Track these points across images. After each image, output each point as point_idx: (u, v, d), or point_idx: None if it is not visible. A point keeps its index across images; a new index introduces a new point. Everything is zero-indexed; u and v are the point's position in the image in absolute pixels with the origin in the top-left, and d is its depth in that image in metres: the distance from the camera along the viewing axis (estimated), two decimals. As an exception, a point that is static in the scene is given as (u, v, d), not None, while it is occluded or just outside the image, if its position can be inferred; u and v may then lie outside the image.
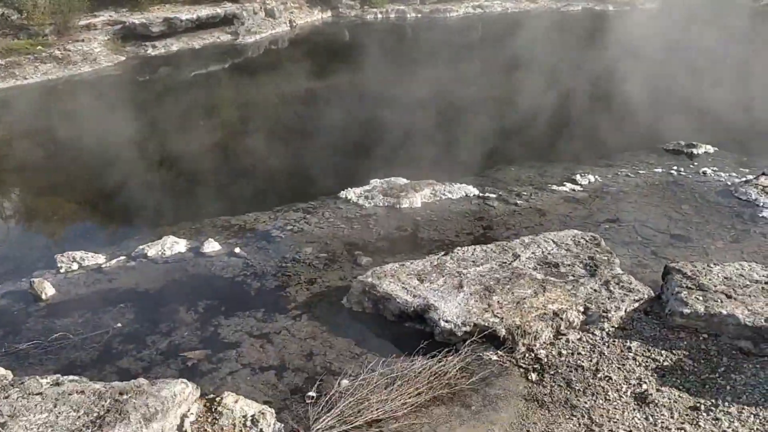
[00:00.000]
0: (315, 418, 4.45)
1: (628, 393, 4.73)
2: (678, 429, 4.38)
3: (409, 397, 4.61)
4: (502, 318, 5.33)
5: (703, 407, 4.54)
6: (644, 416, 4.51)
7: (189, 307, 6.18)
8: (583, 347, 5.23)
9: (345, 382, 4.90)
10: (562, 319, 5.40)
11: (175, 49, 18.89)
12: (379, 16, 23.73)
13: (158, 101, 14.66)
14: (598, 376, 4.91)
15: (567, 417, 4.55)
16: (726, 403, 4.56)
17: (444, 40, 20.02)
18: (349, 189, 8.65)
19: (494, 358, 5.16)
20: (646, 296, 5.73)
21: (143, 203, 8.95)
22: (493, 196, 8.51)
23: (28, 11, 17.57)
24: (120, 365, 5.41)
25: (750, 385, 4.72)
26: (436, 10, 24.02)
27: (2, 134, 12.58)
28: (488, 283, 5.83)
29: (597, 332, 5.38)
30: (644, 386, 4.77)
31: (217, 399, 4.60)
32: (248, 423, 4.42)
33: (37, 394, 4.28)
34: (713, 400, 4.60)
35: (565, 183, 8.86)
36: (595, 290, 5.74)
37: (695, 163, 9.55)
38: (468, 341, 5.17)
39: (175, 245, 7.28)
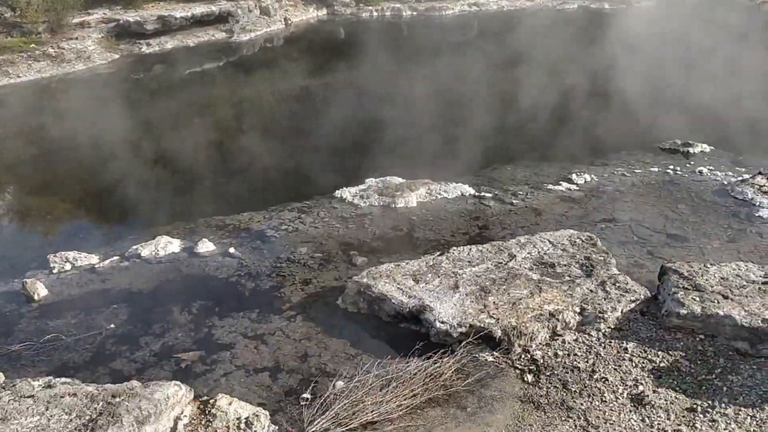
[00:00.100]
0: (309, 420, 4.42)
1: (625, 394, 4.71)
2: (674, 431, 4.36)
3: (405, 399, 4.59)
4: (498, 319, 5.30)
5: (699, 409, 4.53)
6: (641, 418, 4.49)
7: (183, 308, 6.14)
8: (580, 348, 5.21)
9: (340, 383, 4.87)
10: (558, 319, 5.37)
11: (170, 47, 18.80)
12: (375, 14, 23.66)
13: (152, 99, 14.59)
14: (595, 377, 4.89)
15: (563, 419, 4.53)
16: (722, 405, 4.55)
17: (439, 38, 19.97)
18: (345, 188, 8.62)
19: (490, 359, 5.14)
20: (642, 297, 5.71)
21: (137, 203, 8.90)
22: (489, 195, 8.48)
23: (21, 9, 17.45)
24: (113, 367, 5.37)
25: (747, 387, 4.70)
26: (431, 7, 23.95)
27: (-5, 133, 12.50)
28: (484, 283, 5.80)
29: (593, 333, 5.36)
30: (641, 387, 4.75)
31: (211, 401, 4.57)
32: (242, 425, 4.38)
33: (28, 397, 4.24)
34: (710, 402, 4.58)
35: (561, 182, 8.83)
36: (591, 291, 5.72)
37: (691, 162, 9.54)
38: (464, 342, 5.15)
39: (168, 245, 7.24)
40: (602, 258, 6.23)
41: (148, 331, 5.83)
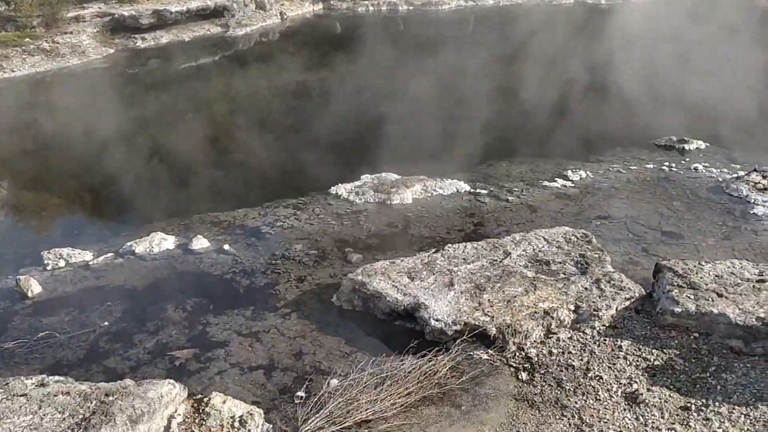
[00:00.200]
0: (304, 419, 4.41)
1: (619, 393, 4.71)
2: (668, 429, 4.36)
3: (399, 397, 4.58)
4: (493, 317, 5.30)
5: (693, 407, 4.53)
6: (635, 416, 4.49)
7: (177, 305, 6.12)
8: (574, 346, 5.21)
9: (334, 381, 4.86)
10: (552, 317, 5.37)
11: (165, 41, 18.73)
12: (371, 8, 23.59)
13: (147, 94, 14.52)
14: (589, 375, 4.89)
15: (557, 417, 4.53)
16: (717, 403, 4.55)
17: (435, 34, 19.94)
18: (340, 185, 8.60)
19: (485, 357, 5.13)
20: (637, 294, 5.71)
21: (131, 199, 8.87)
22: (484, 192, 8.47)
23: (15, 3, 17.38)
24: (107, 365, 5.35)
25: (741, 385, 4.71)
26: (427, 2, 23.89)
27: (-11, 128, 12.44)
28: (479, 281, 5.79)
29: (588, 331, 5.36)
30: (635, 386, 4.75)
31: (205, 399, 4.56)
32: (236, 424, 4.37)
33: (21, 395, 4.22)
34: (704, 400, 4.58)
35: (556, 179, 8.83)
36: (586, 288, 5.72)
37: (687, 159, 9.53)
38: (458, 340, 5.14)
39: (163, 242, 7.21)
40: (597, 255, 6.22)
41: (142, 328, 5.81)
